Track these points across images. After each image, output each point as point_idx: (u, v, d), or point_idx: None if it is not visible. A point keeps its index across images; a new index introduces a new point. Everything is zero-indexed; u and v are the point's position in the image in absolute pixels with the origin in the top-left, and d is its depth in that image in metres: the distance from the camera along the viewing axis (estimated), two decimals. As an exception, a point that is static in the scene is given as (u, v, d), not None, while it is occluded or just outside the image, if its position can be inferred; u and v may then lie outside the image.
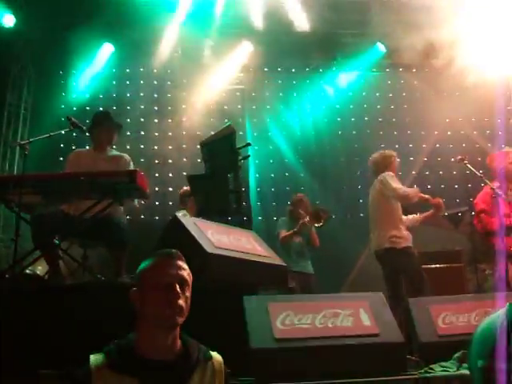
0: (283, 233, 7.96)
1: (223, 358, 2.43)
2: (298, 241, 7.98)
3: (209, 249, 4.11)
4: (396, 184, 6.34)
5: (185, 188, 7.55)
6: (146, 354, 2.24)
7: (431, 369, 3.70)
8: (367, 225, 6.85)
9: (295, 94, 11.72)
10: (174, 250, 2.43)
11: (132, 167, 5.66)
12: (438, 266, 7.26)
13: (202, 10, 9.97)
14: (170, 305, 2.26)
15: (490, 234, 6.33)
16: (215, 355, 2.42)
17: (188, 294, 2.36)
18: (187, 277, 2.38)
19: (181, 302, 2.29)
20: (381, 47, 11.05)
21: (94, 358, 2.23)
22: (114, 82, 11.03)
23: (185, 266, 2.40)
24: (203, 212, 5.75)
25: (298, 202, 8.31)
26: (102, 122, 5.86)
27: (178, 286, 2.30)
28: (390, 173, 6.50)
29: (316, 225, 7.79)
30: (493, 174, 6.43)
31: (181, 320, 2.30)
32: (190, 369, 2.27)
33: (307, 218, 7.78)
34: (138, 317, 2.33)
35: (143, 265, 2.41)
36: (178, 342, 2.34)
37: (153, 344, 2.26)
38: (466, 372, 3.48)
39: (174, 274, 2.33)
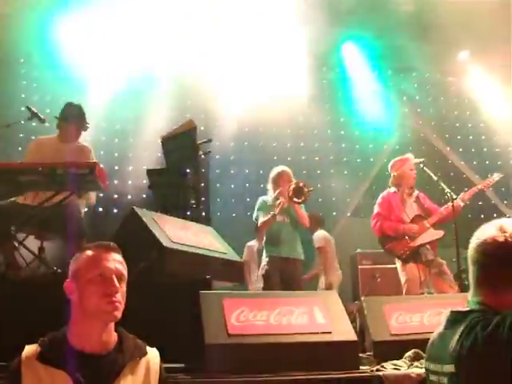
0: (261, 218, 6.70)
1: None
2: (280, 220, 6.67)
3: (165, 243, 4.12)
4: None
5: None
6: (77, 346, 2.22)
7: (383, 367, 3.75)
8: (353, 224, 6.83)
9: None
10: (111, 243, 2.39)
11: (94, 158, 5.63)
12: (377, 266, 7.36)
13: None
14: (109, 299, 2.23)
15: (386, 238, 6.42)
16: (151, 351, 2.40)
17: (124, 288, 2.33)
18: (124, 271, 2.34)
19: (119, 296, 2.26)
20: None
21: (27, 349, 2.22)
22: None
23: (121, 259, 2.36)
24: (162, 207, 5.73)
25: (277, 177, 6.90)
26: (73, 117, 5.80)
27: (115, 280, 2.27)
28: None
29: (296, 200, 6.54)
30: (393, 180, 6.57)
31: (119, 314, 2.27)
32: (121, 364, 2.24)
33: (283, 199, 6.55)
34: (74, 309, 2.29)
35: (79, 256, 2.35)
36: (114, 336, 2.32)
37: (86, 337, 2.24)
38: (417, 370, 3.55)
39: (112, 267, 2.29)
